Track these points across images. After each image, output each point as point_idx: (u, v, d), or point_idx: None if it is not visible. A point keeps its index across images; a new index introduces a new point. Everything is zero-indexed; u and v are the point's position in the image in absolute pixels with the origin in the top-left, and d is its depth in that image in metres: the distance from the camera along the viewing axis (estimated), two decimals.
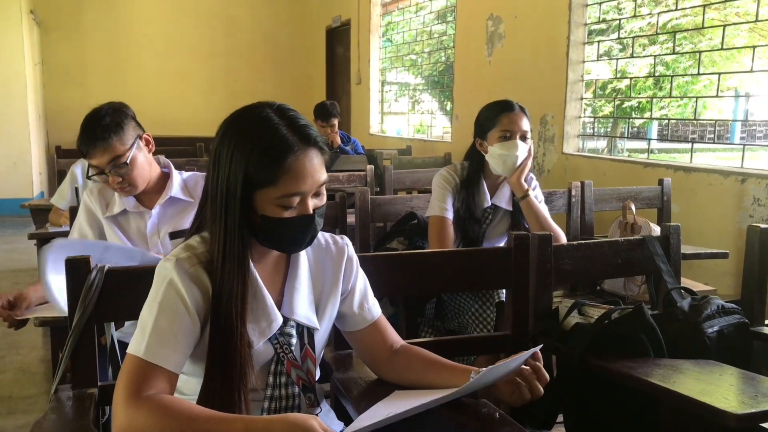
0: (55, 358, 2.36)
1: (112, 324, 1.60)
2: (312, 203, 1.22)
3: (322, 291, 1.36)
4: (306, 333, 1.32)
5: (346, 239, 1.42)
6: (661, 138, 6.66)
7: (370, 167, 3.94)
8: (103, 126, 1.95)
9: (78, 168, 3.44)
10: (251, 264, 1.24)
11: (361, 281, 1.43)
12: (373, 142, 7.66)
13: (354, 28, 8.59)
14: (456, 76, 6.29)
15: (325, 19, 9.56)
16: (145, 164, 2.06)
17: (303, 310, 1.31)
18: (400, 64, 8.08)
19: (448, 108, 7.23)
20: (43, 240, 3.19)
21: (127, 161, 1.98)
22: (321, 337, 1.37)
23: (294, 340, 1.30)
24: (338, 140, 5.02)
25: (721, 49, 4.00)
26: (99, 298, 1.40)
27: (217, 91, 9.59)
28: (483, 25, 5.67)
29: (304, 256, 1.35)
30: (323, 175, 1.23)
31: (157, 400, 1.10)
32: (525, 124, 2.37)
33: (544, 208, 2.43)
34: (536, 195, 2.44)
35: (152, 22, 9.57)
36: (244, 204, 1.18)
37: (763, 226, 1.82)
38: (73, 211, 2.33)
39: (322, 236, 1.39)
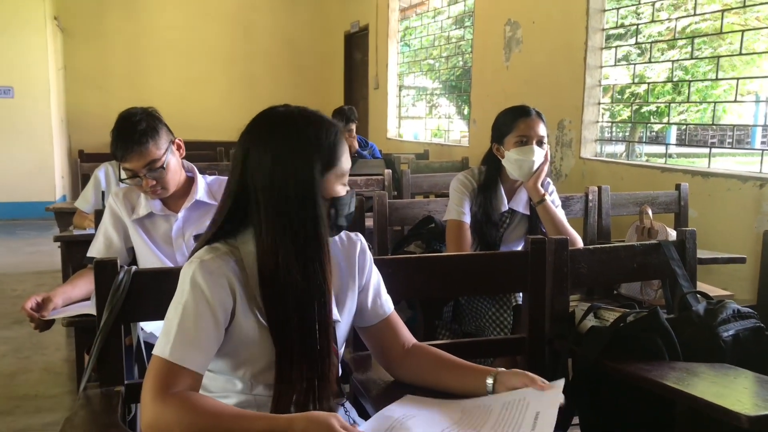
0: (79, 358, 2.41)
1: (139, 324, 1.64)
2: None
3: (340, 285, 1.38)
4: None
5: (359, 234, 1.46)
6: (680, 143, 6.61)
7: (387, 171, 3.97)
8: (140, 131, 2.02)
9: (101, 172, 3.50)
10: None
11: (375, 276, 1.46)
12: (390, 146, 7.69)
13: (372, 34, 8.64)
14: (473, 81, 6.31)
15: (344, 24, 9.62)
16: (177, 168, 2.14)
17: None
18: (418, 69, 8.11)
19: (465, 112, 7.24)
20: (68, 242, 3.25)
21: (164, 165, 2.06)
22: (342, 331, 1.39)
23: None
24: (356, 145, 5.05)
25: (741, 54, 3.98)
26: (126, 298, 1.43)
27: (237, 95, 9.67)
28: (501, 30, 5.68)
29: None
30: None
31: (184, 397, 1.13)
32: (541, 130, 2.39)
33: (560, 213, 2.44)
34: (553, 200, 2.46)
35: (173, 27, 9.68)
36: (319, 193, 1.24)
37: None
38: (98, 215, 2.39)
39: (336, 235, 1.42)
